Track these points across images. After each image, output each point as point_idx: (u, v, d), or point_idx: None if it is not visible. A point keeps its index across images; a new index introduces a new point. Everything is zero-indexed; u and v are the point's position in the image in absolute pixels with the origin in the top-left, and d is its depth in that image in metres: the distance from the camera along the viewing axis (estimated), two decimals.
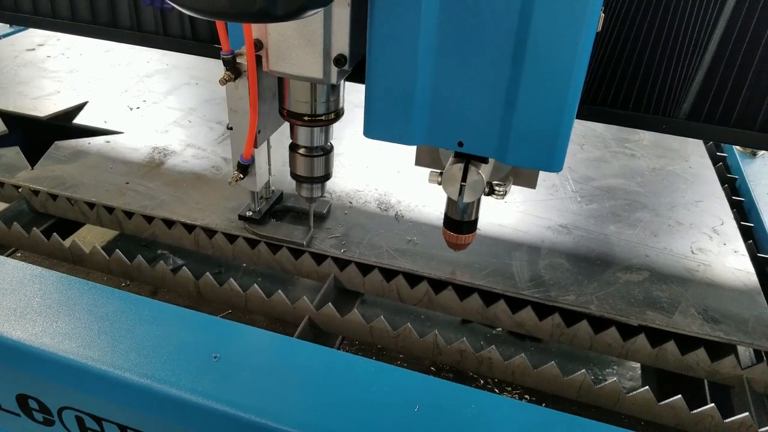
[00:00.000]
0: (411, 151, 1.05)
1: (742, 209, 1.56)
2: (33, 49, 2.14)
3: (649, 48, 1.08)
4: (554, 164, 0.86)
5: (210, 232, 1.30)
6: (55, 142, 1.57)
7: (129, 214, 1.35)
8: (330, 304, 1.13)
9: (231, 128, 1.05)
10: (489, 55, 0.81)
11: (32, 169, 1.48)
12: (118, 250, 1.27)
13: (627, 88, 1.13)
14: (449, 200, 1.02)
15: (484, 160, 0.94)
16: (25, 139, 1.70)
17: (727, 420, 0.96)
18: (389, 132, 0.90)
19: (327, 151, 1.11)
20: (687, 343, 1.09)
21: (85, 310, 1.04)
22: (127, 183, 1.43)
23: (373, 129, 0.91)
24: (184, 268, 1.24)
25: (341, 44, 0.87)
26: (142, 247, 1.53)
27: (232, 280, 1.20)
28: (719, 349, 1.09)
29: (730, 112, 1.10)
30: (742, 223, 1.45)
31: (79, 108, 1.76)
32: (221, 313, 1.36)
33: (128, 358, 0.96)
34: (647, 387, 1.00)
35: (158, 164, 1.51)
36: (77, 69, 2.00)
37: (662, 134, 1.17)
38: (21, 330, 1.00)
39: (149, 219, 1.34)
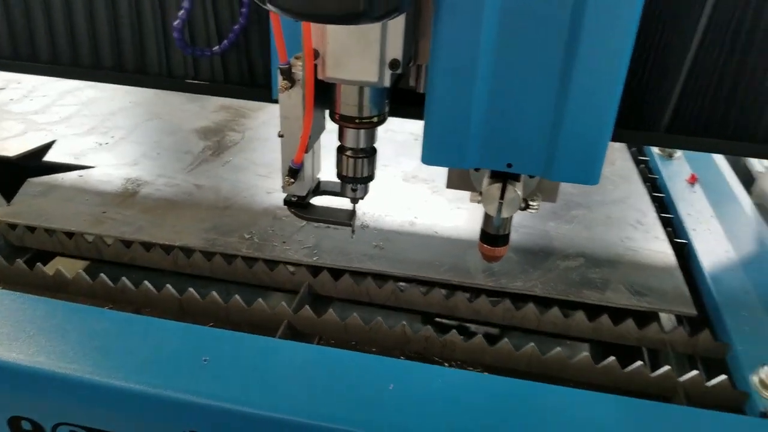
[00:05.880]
0: None
1: (663, 203, 1.77)
2: None
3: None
4: (594, 177, 0.93)
5: (188, 252, 1.40)
6: (28, 179, 1.63)
7: (108, 242, 1.42)
8: (307, 306, 1.25)
9: (282, 135, 1.09)
10: (539, 79, 0.86)
11: (8, 204, 1.53)
12: (102, 274, 1.34)
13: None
14: (486, 216, 1.10)
15: (517, 178, 1.00)
16: None
17: (653, 374, 1.13)
18: (446, 157, 0.96)
19: (371, 153, 1.14)
20: (619, 316, 1.26)
21: (76, 329, 1.10)
22: (103, 212, 1.50)
23: (432, 156, 0.97)
24: (167, 285, 1.32)
25: (396, 49, 0.93)
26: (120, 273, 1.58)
27: (214, 292, 1.29)
28: (646, 319, 1.27)
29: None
30: (662, 215, 1.66)
31: (47, 147, 1.82)
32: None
33: (122, 367, 1.03)
34: (587, 353, 1.16)
35: (132, 193, 1.60)
36: (42, 110, 2.06)
37: None
38: (16, 351, 1.05)
39: (128, 244, 1.42)
